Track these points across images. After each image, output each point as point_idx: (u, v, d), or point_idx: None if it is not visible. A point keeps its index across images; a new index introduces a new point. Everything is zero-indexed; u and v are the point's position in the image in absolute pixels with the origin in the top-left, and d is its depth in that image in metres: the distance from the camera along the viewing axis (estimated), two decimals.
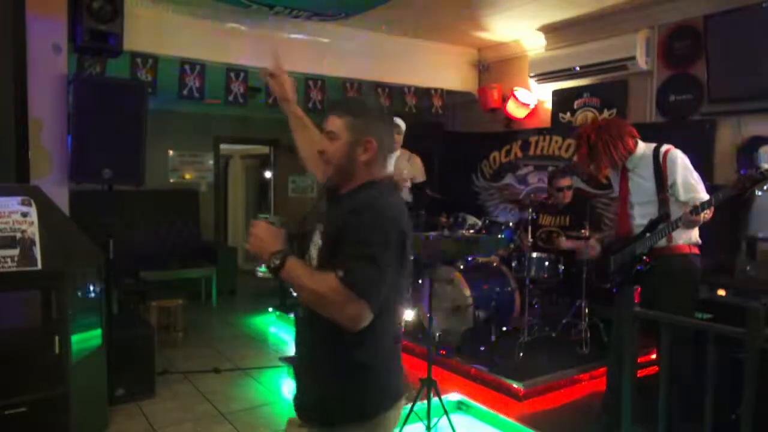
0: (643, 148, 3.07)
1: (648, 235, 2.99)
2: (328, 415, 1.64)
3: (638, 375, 2.70)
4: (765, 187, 2.67)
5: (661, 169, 2.96)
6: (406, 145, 4.05)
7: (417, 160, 3.97)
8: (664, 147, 3.01)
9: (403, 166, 3.94)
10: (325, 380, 1.64)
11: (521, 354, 4.20)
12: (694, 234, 3.01)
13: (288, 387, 4.34)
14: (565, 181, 4.75)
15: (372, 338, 1.58)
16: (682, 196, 2.91)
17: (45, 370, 2.96)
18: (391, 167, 3.85)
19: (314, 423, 1.72)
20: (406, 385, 1.80)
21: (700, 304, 3.22)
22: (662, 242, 2.96)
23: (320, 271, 1.55)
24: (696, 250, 3.03)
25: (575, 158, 3.15)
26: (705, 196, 2.86)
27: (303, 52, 5.12)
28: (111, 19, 3.79)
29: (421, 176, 3.92)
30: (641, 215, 3.06)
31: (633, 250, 3.06)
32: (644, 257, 3.02)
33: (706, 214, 2.80)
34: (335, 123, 1.67)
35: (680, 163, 2.94)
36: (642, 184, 3.03)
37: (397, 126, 3.90)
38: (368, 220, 1.53)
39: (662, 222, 2.95)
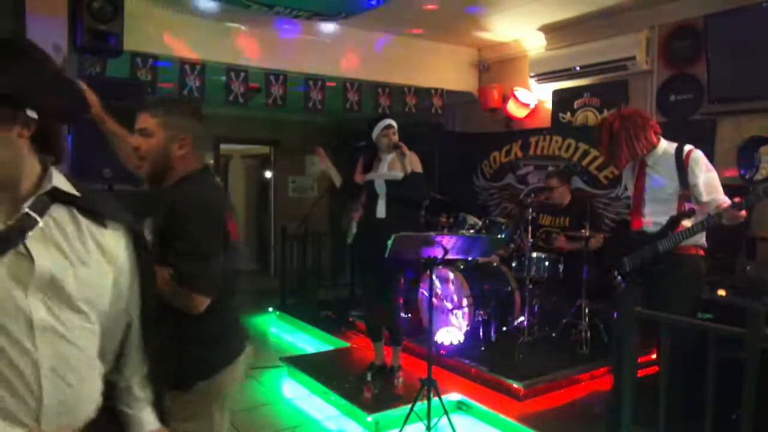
0: (665, 145, 3.02)
1: (671, 233, 2.93)
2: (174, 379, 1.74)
3: (638, 375, 2.71)
4: None
5: (683, 169, 2.91)
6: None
7: (414, 156, 3.95)
8: (688, 147, 2.96)
9: (395, 163, 3.93)
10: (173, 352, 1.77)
11: (521, 354, 4.20)
12: (702, 236, 2.98)
13: (288, 387, 4.34)
14: (551, 182, 4.81)
15: (210, 314, 1.76)
16: (704, 197, 2.87)
17: None
18: (384, 167, 3.85)
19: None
20: (246, 338, 2.04)
21: (700, 304, 3.22)
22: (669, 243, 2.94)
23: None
24: (702, 252, 3.00)
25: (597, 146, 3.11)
26: (725, 198, 2.84)
27: (303, 52, 5.12)
28: (111, 19, 3.78)
29: (418, 168, 3.90)
30: (651, 213, 3.02)
31: (655, 248, 3.00)
32: (667, 254, 2.96)
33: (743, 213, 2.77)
34: (148, 121, 1.81)
35: (703, 164, 2.90)
36: (659, 181, 2.98)
37: (392, 126, 3.90)
38: (194, 217, 1.71)
39: (685, 218, 2.90)
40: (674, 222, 2.94)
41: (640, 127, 2.99)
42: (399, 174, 3.84)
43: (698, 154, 2.93)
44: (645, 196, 3.06)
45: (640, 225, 3.08)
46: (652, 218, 3.03)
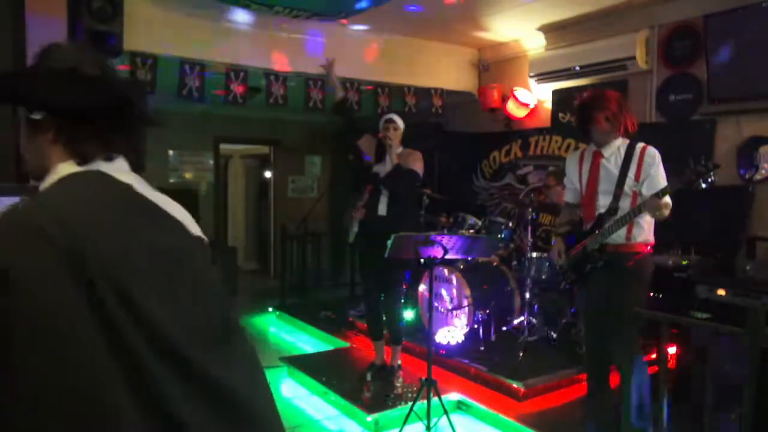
0: (621, 139, 3.06)
1: (597, 231, 2.99)
2: None
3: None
4: (710, 180, 2.69)
5: (630, 164, 2.94)
6: (406, 145, 4.05)
7: (415, 155, 3.95)
8: (641, 144, 3.00)
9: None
10: None
11: (521, 354, 4.20)
12: (651, 234, 3.01)
13: (288, 387, 4.34)
14: (549, 180, 4.85)
15: None
16: (645, 191, 2.89)
17: None
18: (389, 166, 3.84)
19: None
20: None
21: (701, 304, 3.23)
22: (621, 239, 2.95)
23: None
24: (650, 250, 3.03)
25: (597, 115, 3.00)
26: (667, 198, 2.84)
27: (303, 52, 5.12)
28: (111, 19, 3.78)
29: (414, 166, 3.91)
30: (603, 206, 3.04)
31: (584, 247, 3.05)
32: (596, 253, 3.01)
33: (665, 211, 2.80)
34: None
35: (659, 160, 2.93)
36: (611, 174, 3.01)
37: (392, 121, 3.91)
38: None
39: (610, 216, 2.95)
40: (601, 220, 2.98)
41: (630, 113, 3.06)
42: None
43: (655, 151, 2.96)
44: (599, 188, 3.06)
45: (593, 217, 3.08)
46: (602, 211, 3.04)
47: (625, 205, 2.93)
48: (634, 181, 2.92)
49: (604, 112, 2.99)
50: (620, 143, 3.04)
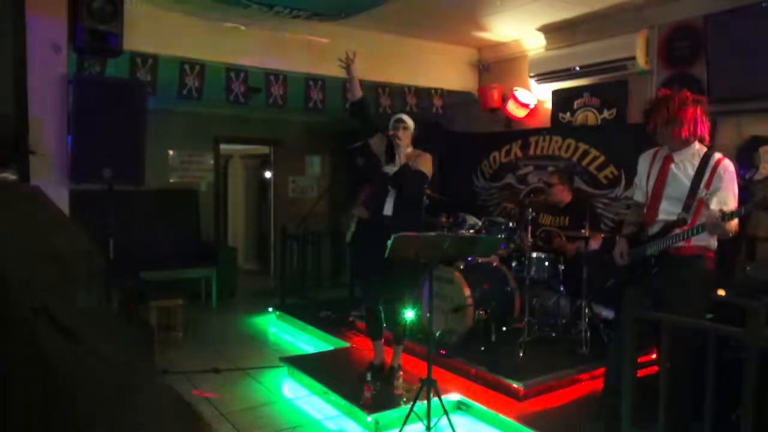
0: (699, 146, 2.97)
1: (660, 239, 2.94)
2: None
3: (638, 375, 2.71)
4: None
5: (704, 174, 2.86)
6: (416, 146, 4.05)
7: (424, 157, 3.95)
8: (718, 154, 2.92)
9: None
10: None
11: (521, 354, 4.20)
12: (712, 240, 2.93)
13: (288, 387, 4.34)
14: (552, 179, 4.85)
15: None
16: (713, 205, 2.82)
17: None
18: (398, 167, 3.84)
19: None
20: None
21: (706, 305, 3.22)
22: (680, 242, 2.90)
23: None
24: (711, 254, 2.95)
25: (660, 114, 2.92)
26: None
27: (303, 52, 5.12)
28: (111, 19, 3.79)
29: (423, 167, 3.90)
30: (665, 211, 2.98)
31: (644, 250, 3.02)
32: (654, 259, 2.97)
33: (733, 227, 2.73)
34: None
35: (730, 174, 2.86)
36: (681, 180, 2.93)
37: (402, 120, 3.91)
38: None
39: (678, 226, 2.89)
40: (668, 228, 2.94)
41: (697, 119, 2.95)
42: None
43: (729, 164, 2.89)
44: (663, 192, 3.00)
45: (653, 221, 3.05)
46: (663, 216, 3.00)
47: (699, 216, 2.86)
48: (705, 189, 2.85)
49: (652, 115, 2.94)
50: (696, 150, 2.94)
